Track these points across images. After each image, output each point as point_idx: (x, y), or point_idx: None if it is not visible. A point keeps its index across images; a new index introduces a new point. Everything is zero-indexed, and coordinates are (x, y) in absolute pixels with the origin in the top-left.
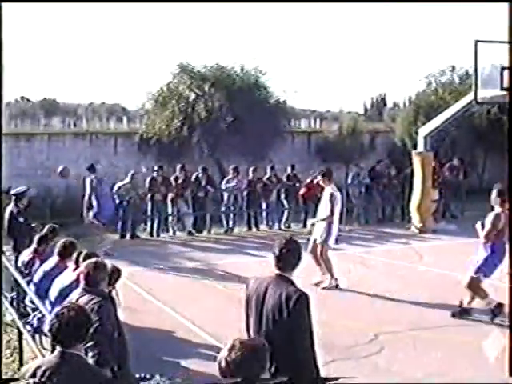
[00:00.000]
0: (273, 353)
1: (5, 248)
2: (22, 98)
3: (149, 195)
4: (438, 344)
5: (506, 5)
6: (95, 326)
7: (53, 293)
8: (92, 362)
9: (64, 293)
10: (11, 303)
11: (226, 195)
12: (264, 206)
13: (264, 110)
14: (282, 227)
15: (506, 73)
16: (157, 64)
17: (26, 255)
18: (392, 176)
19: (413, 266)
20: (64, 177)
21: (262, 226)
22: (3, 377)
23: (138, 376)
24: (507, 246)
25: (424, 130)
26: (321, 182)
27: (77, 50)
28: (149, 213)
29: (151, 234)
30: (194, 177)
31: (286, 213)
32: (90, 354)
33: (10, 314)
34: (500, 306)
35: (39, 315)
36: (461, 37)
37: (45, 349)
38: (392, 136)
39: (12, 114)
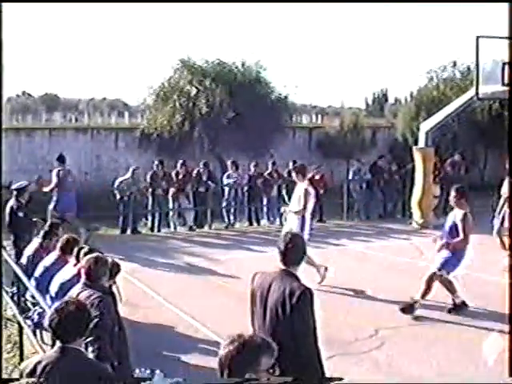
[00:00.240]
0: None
1: (5, 243)
2: (24, 92)
3: (150, 190)
4: (438, 340)
5: (506, 5)
6: (95, 320)
7: (53, 288)
8: (92, 357)
9: (65, 287)
10: (12, 298)
11: (226, 190)
12: (265, 201)
13: (265, 106)
14: (283, 222)
15: (507, 68)
16: (158, 59)
17: (30, 250)
18: (393, 171)
19: (413, 261)
20: (38, 187)
21: (263, 222)
22: (4, 371)
23: (138, 371)
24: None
25: (425, 126)
26: (295, 179)
27: (78, 45)
28: (150, 208)
29: (152, 229)
30: (195, 172)
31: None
32: (90, 348)
33: (11, 309)
34: (464, 304)
35: (40, 310)
36: (462, 32)
37: (45, 344)
38: (393, 131)
39: (13, 109)
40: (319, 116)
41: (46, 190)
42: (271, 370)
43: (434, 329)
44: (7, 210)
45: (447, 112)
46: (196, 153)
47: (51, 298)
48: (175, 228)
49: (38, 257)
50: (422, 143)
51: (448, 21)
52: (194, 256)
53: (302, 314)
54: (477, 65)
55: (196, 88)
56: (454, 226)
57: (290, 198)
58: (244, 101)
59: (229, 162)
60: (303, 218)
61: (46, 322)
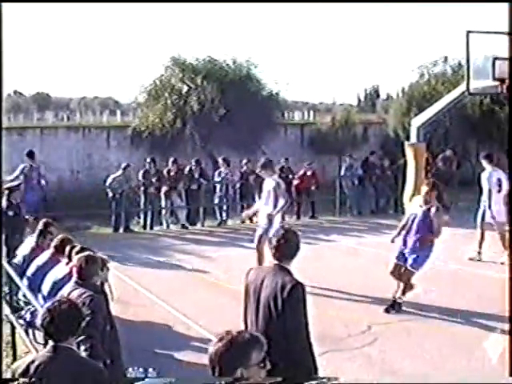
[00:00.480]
0: (269, 343)
1: None
2: (15, 92)
3: (142, 188)
4: (431, 335)
5: (505, 5)
6: (87, 319)
7: (46, 287)
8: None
9: (57, 287)
10: (4, 297)
11: (218, 188)
12: (257, 198)
13: (256, 102)
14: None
15: (497, 63)
16: (149, 57)
17: (26, 249)
18: (385, 167)
19: None
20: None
21: (256, 219)
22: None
23: (131, 369)
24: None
25: (417, 121)
26: (262, 175)
27: (70, 44)
28: (142, 206)
29: (144, 227)
30: (187, 169)
31: None
32: (82, 347)
33: (3, 309)
34: (399, 305)
35: (32, 309)
36: (453, 28)
37: (38, 343)
38: (385, 127)
39: (5, 109)
40: (311, 112)
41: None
42: (262, 364)
43: (426, 324)
44: None
45: (438, 107)
46: (188, 150)
47: (43, 297)
48: (168, 226)
49: (33, 256)
50: (413, 139)
51: (439, 16)
52: (186, 253)
53: (294, 309)
54: (467, 60)
55: (187, 85)
56: (427, 221)
57: None
58: (235, 98)
59: (220, 159)
60: (272, 214)
61: (38, 321)
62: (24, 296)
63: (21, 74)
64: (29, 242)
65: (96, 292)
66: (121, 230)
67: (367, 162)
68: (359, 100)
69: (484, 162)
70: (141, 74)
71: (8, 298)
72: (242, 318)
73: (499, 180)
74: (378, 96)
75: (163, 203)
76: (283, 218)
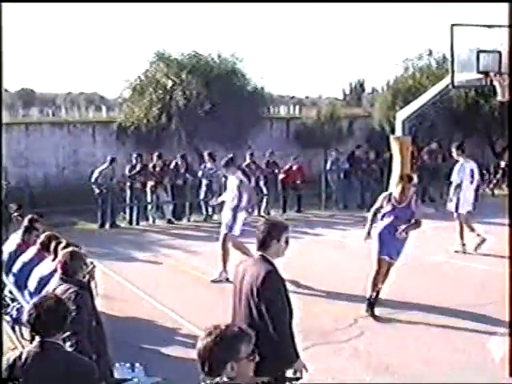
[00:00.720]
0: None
1: None
2: None
3: (128, 184)
4: (417, 328)
5: (505, 5)
6: (72, 315)
7: (32, 283)
8: None
9: (43, 283)
10: None
11: (204, 182)
12: None
13: (242, 97)
14: (262, 213)
15: (482, 56)
16: (134, 52)
17: (12, 246)
18: (371, 161)
19: None
20: None
21: (241, 213)
22: None
23: (117, 365)
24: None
25: (402, 115)
26: (225, 173)
27: (54, 39)
28: (128, 201)
29: (130, 222)
30: (172, 165)
31: (265, 199)
32: (68, 343)
33: None
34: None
35: (18, 306)
36: (437, 21)
37: (25, 339)
38: (370, 121)
39: None
40: (297, 107)
41: None
42: (251, 357)
43: (412, 317)
44: None
45: (423, 101)
46: (173, 145)
47: (30, 293)
48: (154, 221)
49: (19, 252)
50: (398, 132)
51: (423, 9)
52: (172, 248)
53: (268, 297)
54: (452, 53)
55: (172, 80)
56: (409, 215)
57: (268, 189)
58: (221, 92)
59: (206, 154)
60: (235, 211)
61: (24, 318)
62: (10, 292)
63: (5, 70)
64: (14, 239)
65: (81, 288)
66: (107, 226)
67: (353, 155)
68: (345, 94)
69: (456, 153)
70: (126, 70)
71: None
72: (231, 312)
73: (472, 171)
74: (363, 90)
75: (149, 198)
76: (268, 213)
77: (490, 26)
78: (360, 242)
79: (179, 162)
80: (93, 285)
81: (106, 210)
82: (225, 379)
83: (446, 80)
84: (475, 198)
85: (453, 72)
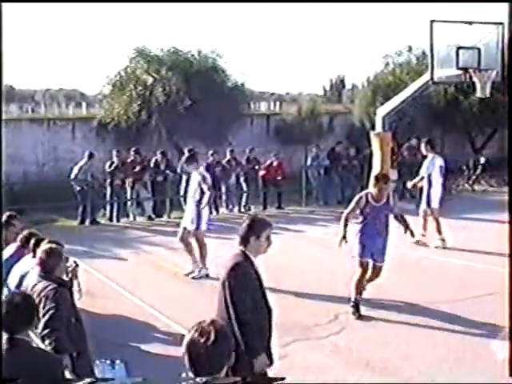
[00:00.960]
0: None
1: None
2: None
3: (108, 180)
4: (397, 324)
5: (505, 5)
6: (50, 312)
7: (12, 280)
8: (50, 350)
9: (24, 279)
10: None
11: (184, 179)
12: (223, 189)
13: (222, 93)
14: (242, 210)
15: (461, 52)
16: (114, 48)
17: None
18: (351, 157)
19: None
20: None
21: (222, 209)
22: None
23: (98, 362)
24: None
25: (382, 111)
26: (187, 169)
27: (32, 34)
28: (108, 198)
29: (111, 219)
30: (153, 161)
31: (245, 195)
32: (47, 341)
33: None
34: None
35: None
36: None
37: None
38: (351, 117)
39: None
40: (277, 103)
41: None
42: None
43: (392, 313)
44: None
45: (403, 97)
46: (153, 142)
47: (9, 290)
48: (134, 218)
49: None
50: (379, 128)
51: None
52: (153, 245)
53: (231, 288)
54: (431, 49)
55: (152, 77)
56: (387, 214)
57: (248, 186)
58: (201, 89)
59: (186, 151)
60: (199, 208)
61: None
62: None
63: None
64: None
65: (60, 285)
66: (87, 223)
67: (333, 152)
68: (325, 90)
69: (426, 149)
70: (106, 66)
71: None
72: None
73: (441, 167)
74: (343, 86)
75: (129, 195)
76: (249, 209)
77: (469, 23)
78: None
79: (159, 159)
80: (76, 284)
81: (86, 206)
82: (209, 377)
83: (426, 76)
84: (442, 193)
85: (432, 68)
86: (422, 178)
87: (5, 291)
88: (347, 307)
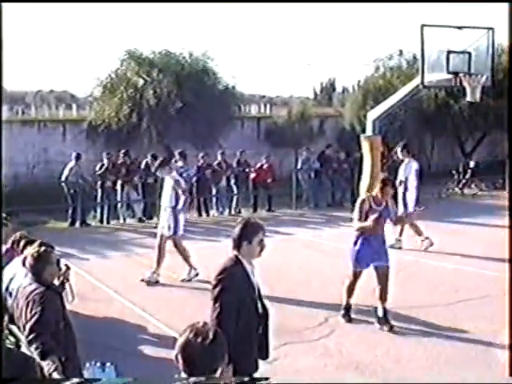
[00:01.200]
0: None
1: None
2: None
3: (99, 182)
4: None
5: (506, 5)
6: (36, 316)
7: (3, 282)
8: (36, 354)
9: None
10: None
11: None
12: (214, 191)
13: (213, 96)
14: (232, 212)
15: (451, 57)
16: (105, 50)
17: None
18: (341, 160)
19: None
20: None
21: (213, 212)
22: None
23: (88, 365)
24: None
25: (372, 114)
26: (158, 173)
27: (22, 36)
28: (98, 200)
29: (101, 221)
30: (143, 163)
31: (235, 198)
32: (34, 345)
33: None
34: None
35: None
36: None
37: None
38: (341, 120)
39: None
40: (268, 106)
41: None
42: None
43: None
44: None
45: (394, 100)
46: (144, 144)
47: None
48: (124, 220)
49: None
50: (369, 132)
51: (393, 9)
52: (143, 247)
53: (216, 292)
54: (422, 53)
55: (143, 79)
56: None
57: (238, 188)
58: (192, 91)
59: (177, 153)
60: (175, 212)
61: None
62: None
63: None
64: None
65: (47, 288)
66: (77, 225)
67: (324, 155)
68: (315, 93)
69: (402, 154)
70: (97, 68)
71: None
72: None
73: (417, 170)
74: (334, 89)
75: (119, 197)
76: (239, 212)
77: (459, 28)
78: (331, 240)
79: (150, 161)
80: (68, 287)
81: (77, 208)
82: (202, 378)
83: (417, 80)
84: (417, 197)
85: (423, 72)
86: (401, 183)
87: None
88: (338, 310)
